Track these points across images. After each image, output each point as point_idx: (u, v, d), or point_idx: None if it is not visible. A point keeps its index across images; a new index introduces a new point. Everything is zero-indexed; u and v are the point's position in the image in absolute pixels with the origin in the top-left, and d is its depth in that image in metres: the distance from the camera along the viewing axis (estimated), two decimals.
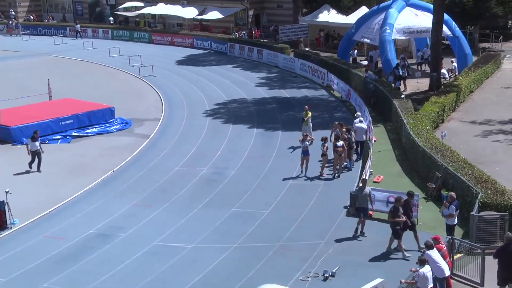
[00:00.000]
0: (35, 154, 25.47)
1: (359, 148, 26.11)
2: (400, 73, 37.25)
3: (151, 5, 63.38)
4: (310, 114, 28.08)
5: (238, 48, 52.40)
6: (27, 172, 25.60)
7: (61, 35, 63.10)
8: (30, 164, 25.55)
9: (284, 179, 24.15)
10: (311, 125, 28.14)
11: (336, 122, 26.43)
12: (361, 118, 27.00)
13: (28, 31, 66.51)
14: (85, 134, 30.99)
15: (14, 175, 25.24)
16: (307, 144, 24.36)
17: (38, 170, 25.50)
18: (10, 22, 68.32)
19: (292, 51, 49.17)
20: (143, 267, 17.82)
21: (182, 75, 45.12)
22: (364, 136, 26.16)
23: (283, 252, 18.42)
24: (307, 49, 50.81)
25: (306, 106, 28.91)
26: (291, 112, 34.39)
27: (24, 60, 52.07)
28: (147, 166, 26.32)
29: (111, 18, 68.65)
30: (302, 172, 24.47)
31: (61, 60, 52.34)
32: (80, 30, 62.68)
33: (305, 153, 24.44)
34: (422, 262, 14.61)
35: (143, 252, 18.68)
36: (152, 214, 21.37)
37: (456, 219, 18.20)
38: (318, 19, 54.00)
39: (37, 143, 25.52)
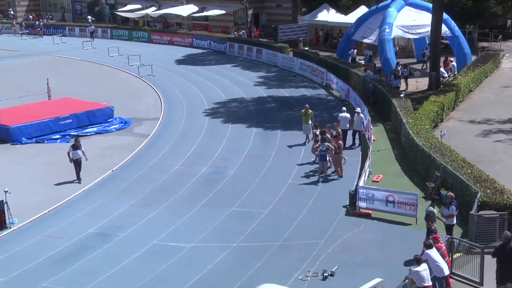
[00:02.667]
0: (77, 163, 24.38)
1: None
2: (402, 71, 37.36)
3: (151, 6, 63.47)
4: (310, 112, 28.12)
5: (237, 48, 52.38)
6: (27, 171, 25.64)
7: (60, 35, 63.10)
8: (77, 174, 24.45)
9: (283, 179, 24.15)
10: (311, 122, 28.03)
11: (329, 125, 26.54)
12: (345, 108, 28.92)
13: (28, 31, 66.55)
14: (84, 134, 30.96)
15: (13, 174, 25.21)
16: (324, 149, 23.75)
17: (78, 180, 24.41)
18: (37, 23, 67.17)
19: (291, 51, 49.16)
20: (142, 266, 17.82)
21: (181, 74, 45.12)
22: (348, 125, 27.57)
23: (282, 252, 18.42)
24: (306, 48, 50.82)
25: (307, 105, 29.01)
26: (290, 111, 34.38)
27: (23, 60, 52.06)
28: (147, 165, 26.32)
29: (89, 17, 68.79)
30: (319, 179, 23.96)
31: (60, 60, 52.36)
32: (93, 31, 61.36)
33: (322, 158, 23.89)
34: (417, 261, 14.61)
35: (142, 252, 18.68)
36: (152, 214, 21.38)
37: (455, 219, 18.20)
38: (317, 19, 54.01)
39: (79, 151, 24.37)
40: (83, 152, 24.51)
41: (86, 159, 24.65)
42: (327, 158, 23.93)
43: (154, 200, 22.58)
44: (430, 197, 18.92)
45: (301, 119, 28.59)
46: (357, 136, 27.87)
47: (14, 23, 68.92)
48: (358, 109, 28.40)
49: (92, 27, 62.09)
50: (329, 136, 24.59)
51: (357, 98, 32.84)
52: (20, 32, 66.31)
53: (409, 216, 19.92)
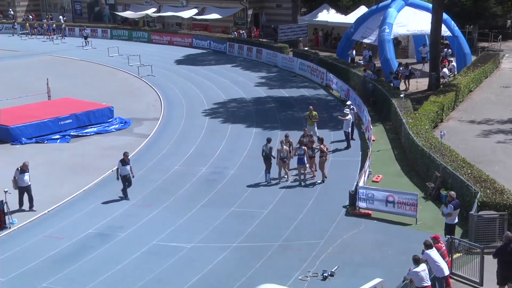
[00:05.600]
0: (125, 179, 22.61)
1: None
2: (404, 72, 37.44)
3: (152, 6, 63.58)
4: (315, 114, 28.06)
5: (237, 48, 52.39)
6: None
7: (60, 35, 63.05)
8: (123, 191, 22.63)
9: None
10: (315, 125, 28.04)
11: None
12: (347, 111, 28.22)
13: (27, 31, 66.51)
14: (84, 134, 30.99)
15: (13, 174, 25.11)
16: (302, 152, 23.44)
17: (126, 198, 22.60)
18: (54, 25, 65.28)
19: (291, 51, 49.16)
20: (142, 266, 17.82)
21: (181, 74, 45.12)
22: (349, 128, 27.80)
23: (282, 252, 18.42)
24: (306, 48, 50.81)
25: (311, 107, 28.91)
26: (290, 111, 34.40)
27: (23, 60, 52.06)
28: (146, 165, 26.32)
29: (61, 17, 68.68)
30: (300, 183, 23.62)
31: (60, 60, 52.36)
32: (87, 35, 58.93)
33: (300, 162, 23.53)
34: (416, 261, 14.59)
35: (142, 252, 18.68)
36: (151, 214, 21.38)
37: (456, 219, 18.18)
38: (317, 19, 54.01)
39: (128, 167, 22.59)
40: (130, 168, 22.81)
41: (133, 176, 23.05)
42: (305, 161, 23.58)
43: (154, 200, 22.57)
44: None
45: (306, 120, 28.59)
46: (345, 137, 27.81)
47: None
48: (347, 111, 28.11)
49: (86, 30, 60.29)
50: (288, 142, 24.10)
51: (357, 98, 32.83)
52: (20, 32, 66.23)
53: (409, 216, 19.92)
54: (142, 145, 29.16)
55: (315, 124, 28.12)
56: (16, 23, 67.76)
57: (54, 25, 65.15)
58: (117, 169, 22.64)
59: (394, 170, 24.84)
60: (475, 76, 37.49)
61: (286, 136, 24.40)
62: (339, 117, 28.28)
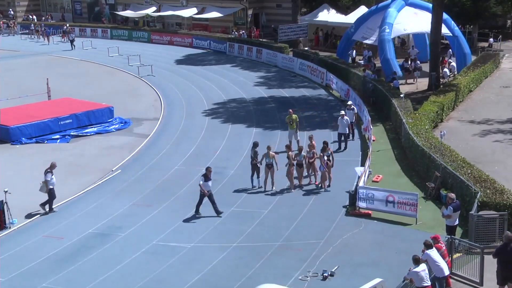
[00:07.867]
0: (209, 195, 20.95)
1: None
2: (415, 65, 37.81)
3: (151, 6, 63.62)
4: (295, 117, 27.31)
5: (237, 48, 52.40)
6: (28, 172, 25.62)
7: (60, 35, 63.05)
8: (213, 207, 20.95)
9: (283, 178, 24.07)
10: (296, 128, 27.41)
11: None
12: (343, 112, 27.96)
13: (27, 31, 66.53)
14: (84, 134, 30.99)
15: (13, 174, 25.19)
16: (301, 159, 23.06)
17: (219, 215, 20.94)
18: (65, 27, 62.93)
19: (291, 51, 49.17)
20: (142, 266, 17.82)
21: (181, 74, 45.13)
22: (347, 130, 27.42)
23: (282, 252, 18.42)
24: (306, 48, 50.82)
25: (291, 110, 28.20)
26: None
27: (23, 60, 52.07)
28: (146, 165, 26.32)
29: (34, 17, 68.77)
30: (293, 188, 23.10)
31: (60, 60, 52.36)
32: (72, 39, 57.19)
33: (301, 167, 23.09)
34: (416, 261, 14.59)
35: (142, 252, 18.68)
36: (151, 214, 21.37)
37: (457, 221, 18.15)
38: (317, 19, 54.03)
39: (210, 183, 20.91)
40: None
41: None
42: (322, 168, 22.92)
43: (154, 200, 22.57)
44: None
45: (304, 122, 28.16)
46: (342, 139, 27.35)
47: (15, 23, 68.84)
48: (342, 112, 27.93)
49: (72, 34, 58.69)
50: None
51: (357, 98, 32.83)
52: (20, 32, 66.23)
53: (409, 216, 19.92)
54: (142, 145, 29.16)
55: (296, 129, 27.34)
56: (32, 25, 67.55)
57: (65, 27, 64.36)
58: (200, 185, 20.87)
59: (394, 170, 24.84)
60: (475, 76, 37.52)
61: (287, 146, 24.05)
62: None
